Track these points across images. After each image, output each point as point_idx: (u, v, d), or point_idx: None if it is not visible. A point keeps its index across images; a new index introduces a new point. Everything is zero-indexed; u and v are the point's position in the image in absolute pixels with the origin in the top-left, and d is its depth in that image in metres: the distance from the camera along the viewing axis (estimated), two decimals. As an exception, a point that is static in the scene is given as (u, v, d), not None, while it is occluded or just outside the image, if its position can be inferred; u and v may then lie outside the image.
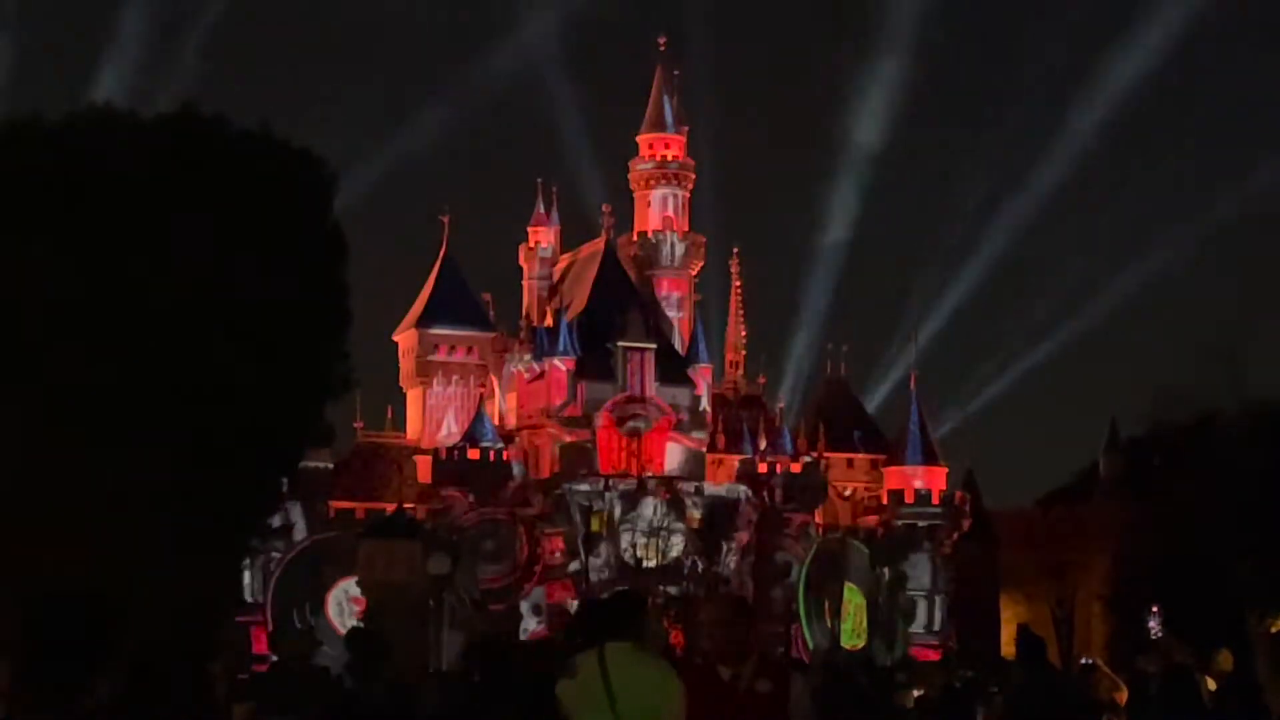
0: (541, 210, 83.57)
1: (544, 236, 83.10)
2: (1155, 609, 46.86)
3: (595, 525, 70.44)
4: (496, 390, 79.55)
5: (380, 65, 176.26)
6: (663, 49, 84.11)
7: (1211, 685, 13.82)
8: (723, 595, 8.58)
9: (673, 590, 68.71)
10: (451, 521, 69.29)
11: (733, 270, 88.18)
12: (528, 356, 75.83)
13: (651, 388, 74.00)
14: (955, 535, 77.76)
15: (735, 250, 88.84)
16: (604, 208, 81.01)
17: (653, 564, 70.30)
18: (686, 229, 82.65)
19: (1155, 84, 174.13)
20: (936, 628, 75.66)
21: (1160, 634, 53.12)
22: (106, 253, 30.60)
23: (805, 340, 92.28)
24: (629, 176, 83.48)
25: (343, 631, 61.81)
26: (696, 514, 71.49)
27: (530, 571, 70.22)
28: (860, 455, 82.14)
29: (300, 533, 67.86)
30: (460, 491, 70.92)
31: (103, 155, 31.90)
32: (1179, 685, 12.52)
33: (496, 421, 76.17)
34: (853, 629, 73.29)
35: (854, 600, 73.88)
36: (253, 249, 32.05)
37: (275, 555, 66.28)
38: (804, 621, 71.92)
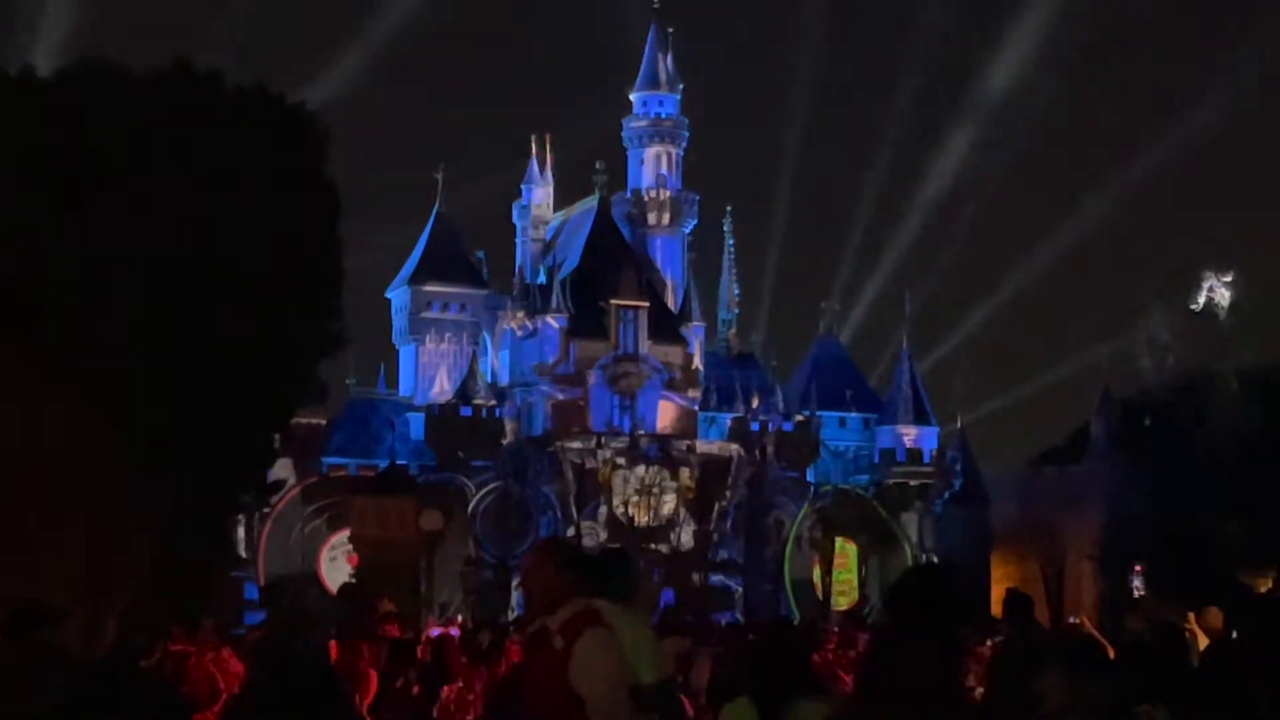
0: (535, 167, 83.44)
1: (537, 193, 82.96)
2: (1139, 568, 47.08)
3: (586, 484, 70.52)
4: (489, 348, 79.56)
5: (374, 21, 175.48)
6: (657, 6, 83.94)
7: (1202, 643, 13.92)
8: (543, 542, 7.74)
9: (664, 549, 68.92)
10: (444, 478, 69.41)
11: (726, 229, 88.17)
12: (520, 314, 75.79)
13: (644, 346, 74.01)
14: (947, 495, 77.96)
15: (729, 209, 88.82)
16: (598, 165, 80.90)
17: (644, 523, 70.45)
18: (680, 187, 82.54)
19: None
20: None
21: (1143, 593, 53.32)
22: (99, 209, 30.55)
23: (798, 299, 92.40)
24: (622, 134, 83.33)
25: (334, 588, 62.11)
26: (688, 473, 71.60)
27: (524, 530, 70.33)
28: (852, 414, 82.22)
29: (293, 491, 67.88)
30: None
31: (95, 110, 31.82)
32: (1166, 643, 12.57)
33: (489, 379, 76.20)
34: (844, 587, 73.54)
35: (846, 558, 74.12)
36: (246, 206, 32.00)
37: (267, 511, 66.34)
38: (788, 580, 72.08)
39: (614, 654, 7.63)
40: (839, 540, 73.99)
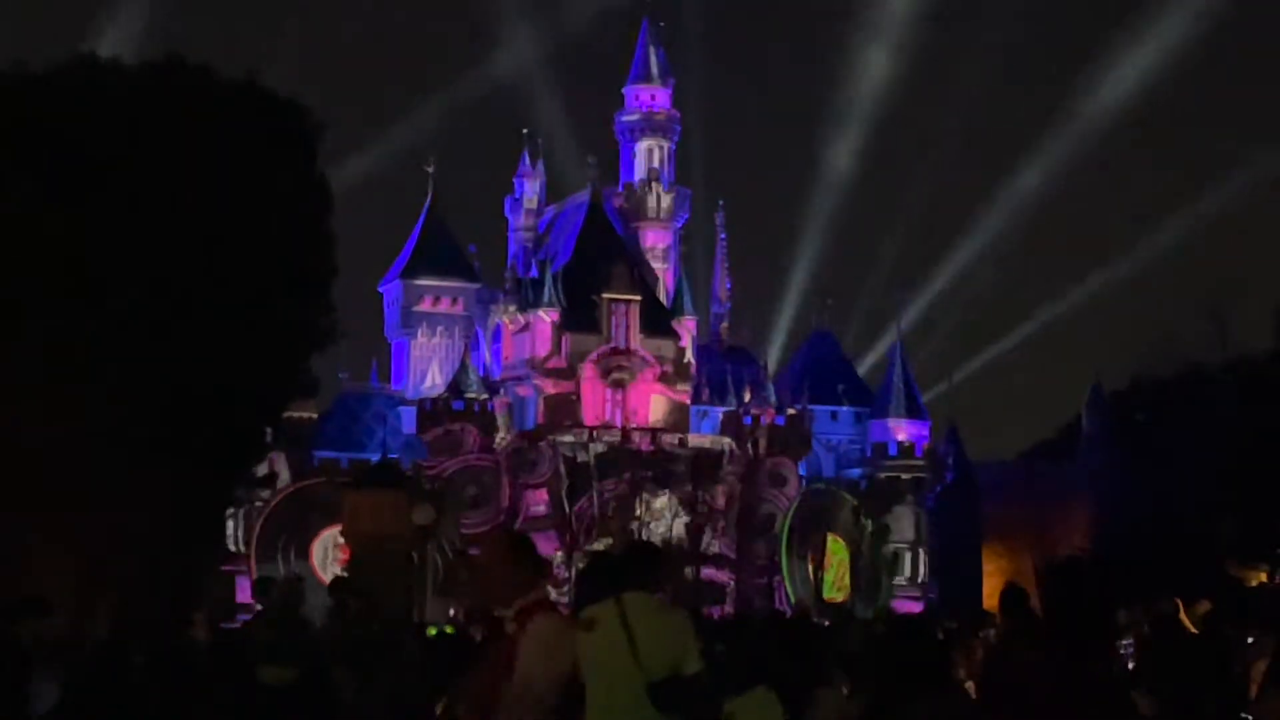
0: (527, 161, 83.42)
1: (529, 187, 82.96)
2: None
3: (578, 477, 70.46)
4: (481, 341, 79.54)
5: (365, 14, 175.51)
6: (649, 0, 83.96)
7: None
8: (496, 535, 7.84)
9: (655, 543, 68.83)
10: (436, 472, 69.38)
11: (718, 222, 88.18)
12: (512, 308, 75.77)
13: (636, 339, 73.99)
14: (938, 488, 77.97)
15: (721, 203, 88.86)
16: (590, 159, 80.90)
17: (636, 516, 70.39)
18: (672, 180, 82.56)
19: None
20: (919, 580, 75.98)
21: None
22: (89, 203, 30.51)
23: (790, 293, 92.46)
24: (615, 128, 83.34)
25: (326, 580, 62.02)
26: (680, 466, 71.56)
27: (512, 522, 70.26)
28: (844, 408, 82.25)
29: (284, 482, 67.78)
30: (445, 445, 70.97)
31: (87, 104, 31.76)
32: (1161, 635, 12.62)
33: (481, 373, 76.17)
34: (834, 580, 73.48)
35: (837, 552, 74.07)
36: (238, 199, 31.95)
37: (260, 505, 66.29)
38: (785, 574, 72.08)
39: (557, 641, 7.69)
40: (829, 536, 73.91)
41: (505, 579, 7.90)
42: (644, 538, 67.45)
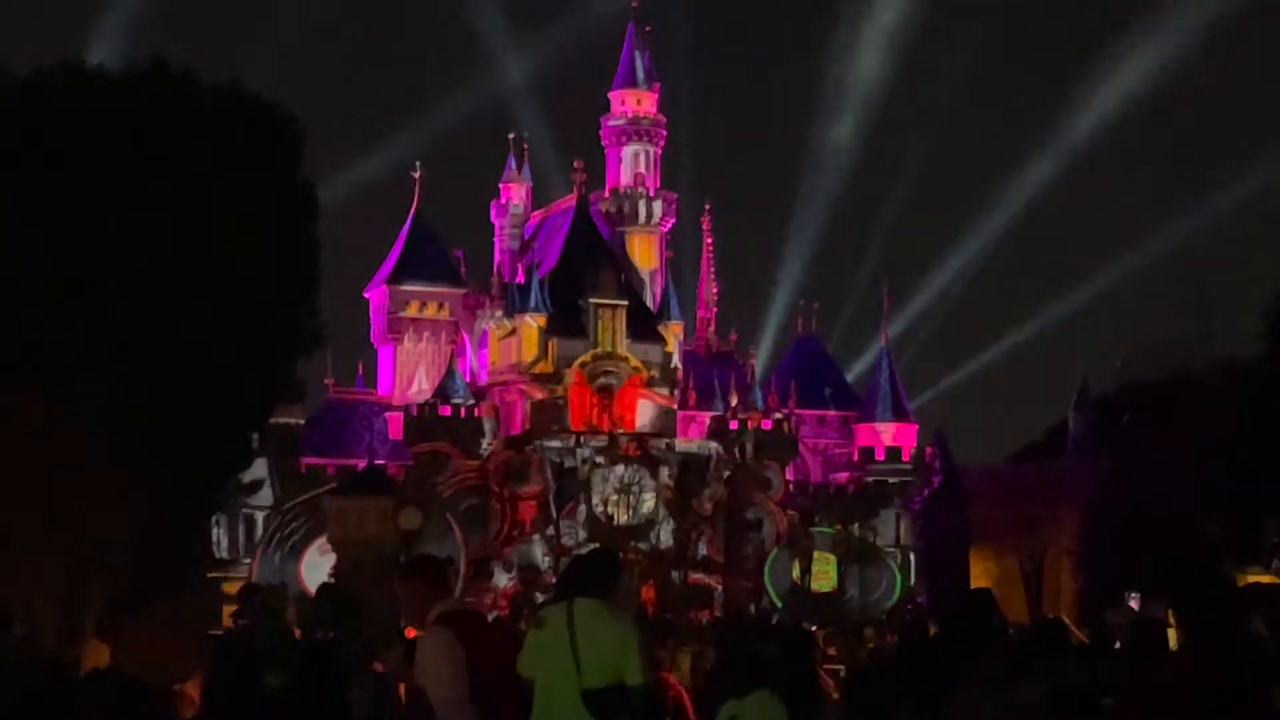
0: (513, 166, 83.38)
1: (515, 193, 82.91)
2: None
3: (566, 482, 70.37)
4: (468, 347, 79.45)
5: (350, 18, 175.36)
6: (635, 4, 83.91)
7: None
8: (408, 562, 8.14)
9: (643, 547, 68.78)
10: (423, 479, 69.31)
11: (705, 227, 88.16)
12: (499, 313, 75.69)
13: (623, 344, 73.93)
14: (926, 492, 77.97)
15: (707, 207, 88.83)
16: (576, 164, 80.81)
17: (624, 521, 70.34)
18: (658, 185, 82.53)
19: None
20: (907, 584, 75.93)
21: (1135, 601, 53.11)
22: (74, 209, 30.43)
23: (777, 297, 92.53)
24: (600, 133, 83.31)
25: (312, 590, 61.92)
26: (667, 471, 71.50)
27: (510, 537, 70.21)
28: (831, 412, 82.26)
29: (270, 489, 67.65)
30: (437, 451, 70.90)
31: (70, 110, 31.67)
32: (1147, 637, 12.58)
33: (468, 378, 76.08)
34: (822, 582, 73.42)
35: (822, 556, 74.01)
36: (222, 205, 31.88)
37: (245, 512, 66.17)
38: (767, 577, 71.92)
39: (441, 657, 8.14)
40: (816, 552, 73.73)
41: (411, 600, 8.57)
42: (632, 543, 67.39)
